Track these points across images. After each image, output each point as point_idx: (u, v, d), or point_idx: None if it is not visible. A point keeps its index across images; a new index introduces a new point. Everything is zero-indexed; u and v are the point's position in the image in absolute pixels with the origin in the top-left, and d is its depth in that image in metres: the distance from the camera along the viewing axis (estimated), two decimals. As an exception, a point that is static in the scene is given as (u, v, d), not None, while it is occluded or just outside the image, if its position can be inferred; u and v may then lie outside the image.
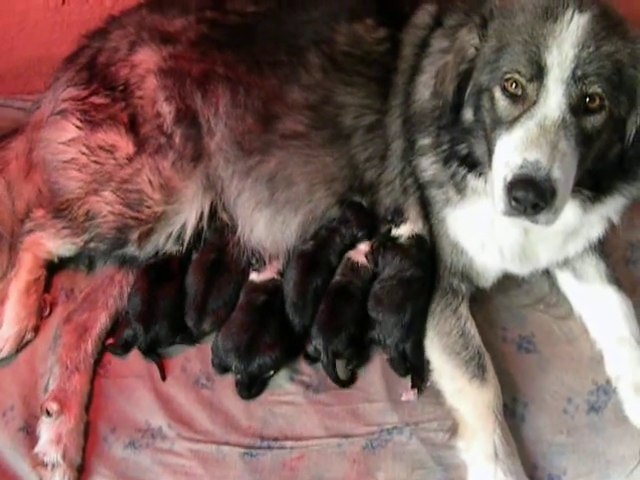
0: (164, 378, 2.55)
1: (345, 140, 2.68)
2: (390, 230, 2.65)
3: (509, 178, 2.04)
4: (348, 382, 2.50)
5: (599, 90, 2.07)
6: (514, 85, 2.14)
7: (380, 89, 2.67)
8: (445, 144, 2.42)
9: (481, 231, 2.46)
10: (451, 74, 2.32)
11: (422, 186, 2.58)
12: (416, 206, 2.62)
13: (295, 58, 2.71)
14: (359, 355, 2.54)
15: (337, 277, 2.64)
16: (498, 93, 2.18)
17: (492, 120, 2.20)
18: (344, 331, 2.50)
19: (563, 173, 2.02)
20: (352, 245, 2.71)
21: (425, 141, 2.50)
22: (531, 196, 2.00)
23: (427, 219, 2.61)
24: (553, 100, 2.06)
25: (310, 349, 2.53)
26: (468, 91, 2.29)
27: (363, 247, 2.69)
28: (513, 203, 2.04)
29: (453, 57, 2.33)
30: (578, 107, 2.08)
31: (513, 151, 2.06)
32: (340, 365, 2.52)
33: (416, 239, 2.58)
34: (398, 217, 2.63)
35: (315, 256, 2.67)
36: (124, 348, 2.60)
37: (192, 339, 2.62)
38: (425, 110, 2.49)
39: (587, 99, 2.08)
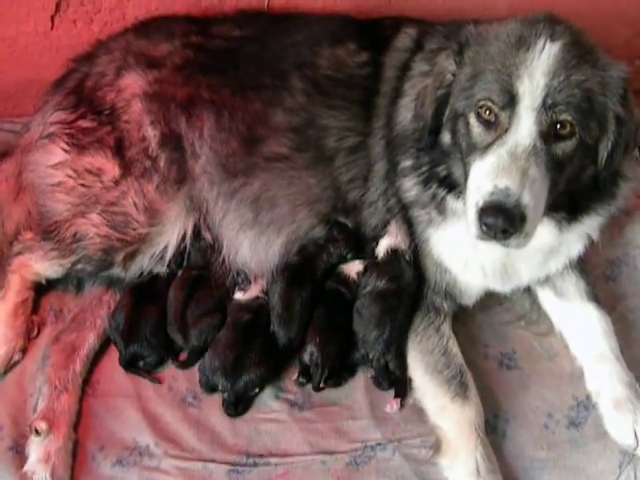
0: (160, 382, 2.59)
1: (328, 162, 2.72)
2: (374, 251, 2.68)
3: (480, 204, 2.10)
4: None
5: (569, 118, 2.12)
6: (488, 112, 2.19)
7: (362, 112, 2.71)
8: (425, 165, 2.47)
9: (464, 250, 2.50)
10: (430, 98, 2.37)
11: (405, 206, 2.62)
12: (401, 224, 2.64)
13: (279, 82, 2.75)
14: (339, 373, 2.57)
15: (330, 284, 2.69)
16: (473, 119, 2.23)
17: (467, 145, 2.25)
18: (337, 336, 2.55)
19: (533, 198, 2.08)
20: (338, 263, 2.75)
21: (407, 163, 2.55)
22: (500, 222, 2.06)
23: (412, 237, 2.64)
24: (524, 127, 2.11)
25: (306, 357, 2.54)
26: (446, 115, 2.34)
27: (357, 264, 2.72)
28: (484, 228, 2.11)
29: (432, 81, 2.39)
30: (549, 134, 2.13)
31: (485, 177, 2.12)
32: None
33: (392, 254, 2.61)
34: (378, 233, 2.67)
35: (300, 269, 2.70)
36: (129, 365, 2.63)
37: (190, 362, 2.65)
38: (407, 132, 2.54)
39: (558, 126, 2.14)
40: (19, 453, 2.44)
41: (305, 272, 2.69)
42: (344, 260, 2.74)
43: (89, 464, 2.44)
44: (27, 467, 2.38)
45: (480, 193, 2.11)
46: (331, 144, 2.71)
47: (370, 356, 2.51)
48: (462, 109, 2.27)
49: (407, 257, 2.61)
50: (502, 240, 2.12)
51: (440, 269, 2.61)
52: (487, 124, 2.19)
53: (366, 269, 2.68)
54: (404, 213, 2.64)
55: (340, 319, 2.60)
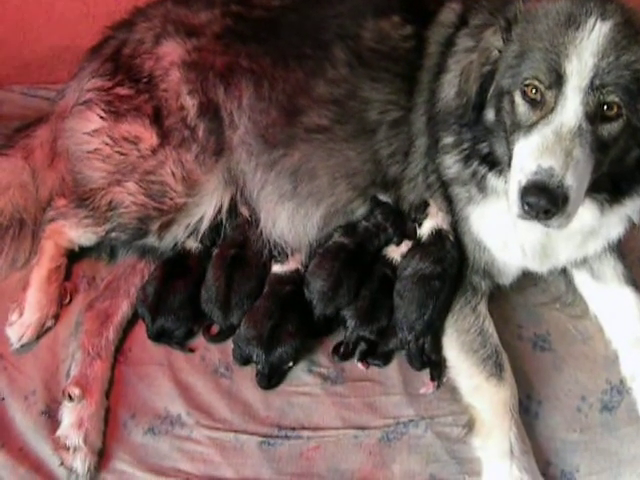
0: (192, 351, 2.60)
1: (369, 135, 2.69)
2: (416, 231, 2.67)
3: (523, 183, 2.07)
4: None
5: (617, 99, 2.08)
6: (534, 91, 2.15)
7: (405, 86, 2.68)
8: (466, 142, 2.44)
9: (503, 229, 2.48)
10: (475, 74, 2.34)
11: (445, 183, 2.59)
12: (440, 202, 2.63)
13: (321, 52, 2.72)
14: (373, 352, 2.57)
15: (380, 268, 2.67)
16: (518, 97, 2.20)
17: (512, 123, 2.22)
18: (378, 322, 2.55)
19: (576, 180, 2.05)
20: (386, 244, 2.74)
21: (448, 139, 2.52)
22: (543, 202, 2.04)
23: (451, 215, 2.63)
24: (570, 108, 2.08)
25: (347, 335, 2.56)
26: (490, 92, 2.31)
27: (403, 246, 2.70)
28: (526, 207, 2.09)
29: (477, 57, 2.35)
30: (595, 115, 2.09)
31: (528, 156, 2.09)
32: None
33: (436, 235, 2.59)
34: (420, 215, 2.65)
35: (356, 253, 2.68)
36: (157, 338, 2.63)
37: (222, 337, 2.64)
38: (449, 109, 2.50)
39: (604, 107, 2.10)
40: (51, 418, 2.45)
41: (360, 257, 2.68)
42: (391, 240, 2.72)
43: (120, 431, 2.45)
44: (60, 432, 2.39)
45: (523, 172, 2.08)
46: (373, 117, 2.68)
47: (408, 338, 2.50)
48: (508, 87, 2.24)
49: (451, 238, 2.59)
50: (543, 220, 2.11)
51: (479, 247, 2.59)
52: (533, 103, 2.16)
53: (408, 251, 2.66)
54: (443, 190, 2.62)
55: (386, 303, 2.59)
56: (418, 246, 2.64)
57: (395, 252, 2.70)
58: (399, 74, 2.69)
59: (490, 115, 2.34)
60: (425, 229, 2.63)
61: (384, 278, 2.64)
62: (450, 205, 2.62)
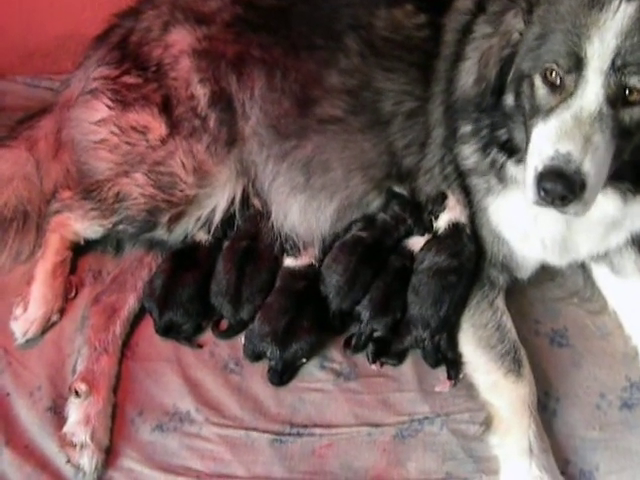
0: (201, 346, 2.56)
1: (384, 126, 2.65)
2: (432, 224, 2.63)
3: (539, 168, 2.02)
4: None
5: (639, 82, 2.02)
6: (553, 74, 2.10)
7: (421, 75, 2.63)
8: (485, 129, 2.39)
9: (523, 221, 2.43)
10: (495, 57, 2.29)
11: (463, 174, 2.55)
12: (458, 194, 2.59)
13: (333, 42, 2.68)
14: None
15: (396, 260, 2.62)
16: (538, 81, 2.15)
17: (531, 107, 2.17)
18: (391, 315, 2.50)
19: (595, 166, 1.99)
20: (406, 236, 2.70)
21: (467, 128, 2.47)
22: (559, 188, 1.99)
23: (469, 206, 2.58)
24: (591, 92, 2.02)
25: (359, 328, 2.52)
26: (510, 76, 2.26)
27: (422, 239, 2.64)
28: (542, 193, 2.03)
29: (498, 40, 2.30)
30: (616, 99, 2.03)
31: (546, 141, 2.04)
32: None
33: (453, 228, 2.55)
34: (437, 207, 2.60)
35: (373, 247, 2.63)
36: (165, 332, 2.58)
37: (232, 333, 2.60)
38: (468, 97, 2.45)
39: (626, 92, 2.04)
40: (57, 414, 2.41)
41: (377, 251, 2.63)
42: (414, 234, 2.67)
43: (128, 428, 2.40)
44: (66, 428, 2.34)
45: (540, 157, 2.03)
46: (387, 108, 2.64)
47: (423, 336, 2.45)
48: (528, 70, 2.18)
49: (468, 231, 2.54)
50: (560, 207, 2.06)
51: (498, 240, 2.53)
52: (552, 87, 2.11)
53: (424, 244, 2.61)
54: (461, 182, 2.57)
55: (402, 295, 2.54)
56: (434, 239, 2.60)
57: (417, 244, 2.64)
58: (414, 63, 2.65)
59: (509, 100, 2.29)
60: (442, 222, 2.58)
61: (402, 269, 2.59)
62: (468, 197, 2.57)
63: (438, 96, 2.60)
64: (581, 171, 1.97)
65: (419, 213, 2.67)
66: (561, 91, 2.08)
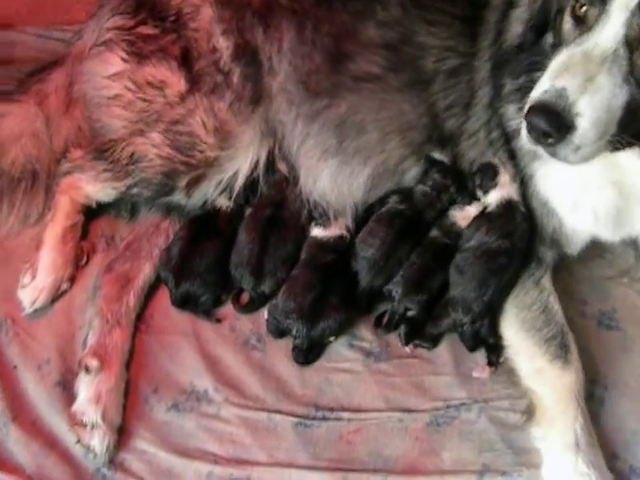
0: (220, 321, 2.44)
1: (425, 85, 2.49)
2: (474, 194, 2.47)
3: (532, 102, 1.91)
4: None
5: None
6: (580, 7, 1.97)
7: (465, 29, 2.48)
8: (524, 75, 2.22)
9: (573, 189, 2.28)
10: None
11: (509, 137, 2.39)
12: (506, 163, 2.42)
13: None
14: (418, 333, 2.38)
15: (437, 236, 2.46)
16: (567, 15, 2.03)
17: (559, 44, 2.04)
18: (425, 294, 2.36)
19: (594, 110, 1.84)
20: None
21: (514, 85, 2.30)
22: (542, 123, 1.86)
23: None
24: (610, 28, 1.87)
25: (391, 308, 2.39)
26: (552, 12, 2.12)
27: (473, 211, 2.47)
28: (529, 128, 1.92)
29: None
30: (637, 42, 1.87)
31: (547, 75, 1.94)
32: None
33: (506, 206, 2.38)
34: (488, 182, 2.43)
35: (412, 221, 2.48)
36: (181, 304, 2.46)
37: (253, 307, 2.47)
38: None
39: None
40: (67, 390, 2.30)
41: (417, 225, 2.48)
42: (457, 205, 2.51)
43: (142, 407, 2.30)
44: (76, 407, 2.24)
45: (537, 91, 1.91)
46: (429, 65, 2.48)
47: (464, 320, 2.29)
48: (562, 3, 2.05)
49: (522, 209, 2.37)
50: (546, 147, 1.92)
51: (546, 211, 2.38)
52: (577, 20, 1.98)
53: (472, 220, 2.45)
54: (508, 147, 2.41)
55: (439, 275, 2.39)
56: (484, 217, 2.42)
57: (460, 217, 2.47)
58: (458, 16, 2.49)
59: (550, 39, 2.15)
60: (492, 198, 2.41)
61: (442, 247, 2.43)
62: (514, 161, 2.41)
63: (485, 51, 2.45)
64: (572, 110, 1.83)
65: (463, 180, 2.52)
66: (582, 25, 1.96)
